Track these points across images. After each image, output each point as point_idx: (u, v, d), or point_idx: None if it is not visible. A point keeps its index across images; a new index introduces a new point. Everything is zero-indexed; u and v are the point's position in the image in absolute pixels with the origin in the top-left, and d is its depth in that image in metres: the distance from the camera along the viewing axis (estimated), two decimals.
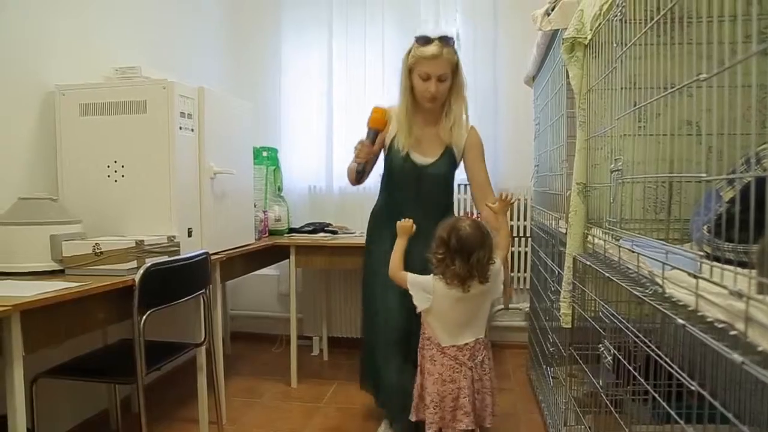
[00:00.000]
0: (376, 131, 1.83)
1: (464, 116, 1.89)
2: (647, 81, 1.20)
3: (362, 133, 1.85)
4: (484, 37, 2.98)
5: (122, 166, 1.87)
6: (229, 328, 3.21)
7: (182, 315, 2.20)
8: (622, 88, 1.25)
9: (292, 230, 2.93)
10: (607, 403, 1.29)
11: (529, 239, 2.96)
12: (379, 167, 2.01)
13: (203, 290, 1.92)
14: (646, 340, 1.04)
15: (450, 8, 3.01)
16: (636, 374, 1.10)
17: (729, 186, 0.91)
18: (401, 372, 1.78)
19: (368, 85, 3.08)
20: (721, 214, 0.90)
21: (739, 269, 0.68)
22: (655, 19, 1.00)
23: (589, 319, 1.43)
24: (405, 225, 1.67)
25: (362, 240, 2.08)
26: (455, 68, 1.80)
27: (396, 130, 1.89)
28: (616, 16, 1.19)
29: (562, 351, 1.77)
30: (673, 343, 1.57)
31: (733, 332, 0.66)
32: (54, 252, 1.61)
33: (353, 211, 3.06)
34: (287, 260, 2.62)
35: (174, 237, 1.80)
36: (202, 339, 1.96)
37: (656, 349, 0.99)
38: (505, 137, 3.04)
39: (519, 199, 2.96)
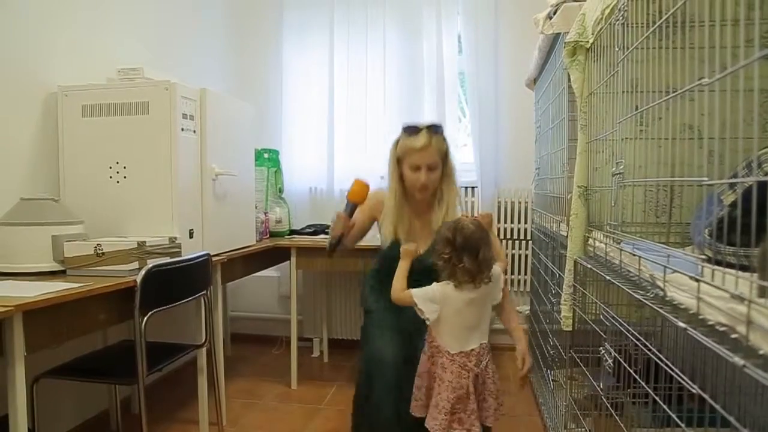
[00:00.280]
0: (354, 204, 1.78)
1: (457, 206, 1.82)
2: (649, 85, 1.20)
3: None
4: (486, 39, 2.98)
5: (124, 167, 1.87)
6: (230, 329, 3.20)
7: (183, 316, 2.20)
8: (623, 92, 1.25)
9: (292, 232, 2.94)
10: (608, 406, 1.29)
11: (530, 242, 2.97)
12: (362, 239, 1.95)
13: (204, 291, 1.93)
14: (647, 343, 1.04)
15: (451, 10, 3.02)
16: (636, 377, 1.10)
17: (730, 190, 0.92)
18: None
19: (369, 86, 3.08)
20: (723, 217, 0.91)
21: (740, 272, 0.68)
22: (657, 24, 1.00)
23: (590, 322, 1.43)
24: (408, 249, 1.65)
25: (362, 241, 2.08)
26: (445, 156, 1.76)
27: (384, 216, 1.83)
28: (618, 20, 1.19)
29: (563, 354, 1.77)
30: (673, 347, 1.57)
31: (734, 335, 0.66)
32: (56, 253, 1.61)
33: None
34: (288, 262, 2.62)
35: (175, 238, 1.80)
36: (203, 340, 1.97)
37: (657, 352, 0.99)
38: (506, 140, 3.05)
39: (519, 202, 2.96)
